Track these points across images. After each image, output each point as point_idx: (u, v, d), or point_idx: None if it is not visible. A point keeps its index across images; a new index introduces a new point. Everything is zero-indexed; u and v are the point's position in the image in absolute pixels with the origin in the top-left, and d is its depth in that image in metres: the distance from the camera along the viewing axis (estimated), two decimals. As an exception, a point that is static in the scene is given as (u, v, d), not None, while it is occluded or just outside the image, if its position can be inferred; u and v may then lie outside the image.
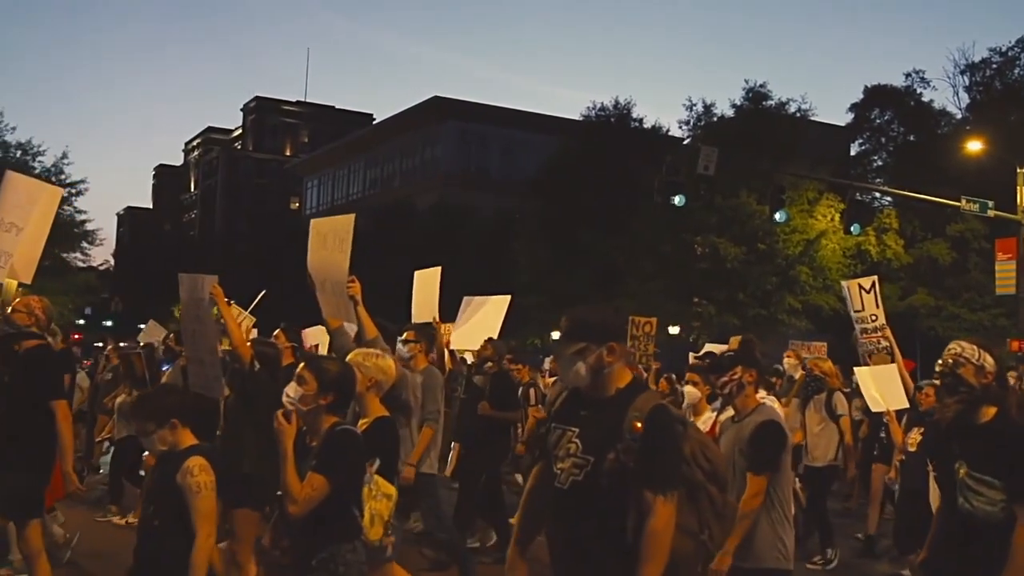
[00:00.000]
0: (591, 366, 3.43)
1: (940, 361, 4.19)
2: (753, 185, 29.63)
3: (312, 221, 6.46)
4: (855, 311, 9.36)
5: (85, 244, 38.00)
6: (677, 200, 20.99)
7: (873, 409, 9.01)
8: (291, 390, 4.10)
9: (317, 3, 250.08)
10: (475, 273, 37.87)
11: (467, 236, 42.81)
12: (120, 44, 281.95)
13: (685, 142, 34.85)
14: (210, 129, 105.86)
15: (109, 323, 58.25)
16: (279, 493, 4.05)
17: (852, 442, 9.77)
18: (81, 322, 48.52)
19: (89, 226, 38.17)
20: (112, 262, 72.91)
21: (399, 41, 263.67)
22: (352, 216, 6.11)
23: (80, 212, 37.90)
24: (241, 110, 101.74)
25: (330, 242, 6.20)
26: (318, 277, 6.26)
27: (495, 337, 9.80)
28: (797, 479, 8.75)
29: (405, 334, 7.22)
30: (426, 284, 10.03)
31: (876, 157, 36.41)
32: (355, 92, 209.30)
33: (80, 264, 38.66)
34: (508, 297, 10.77)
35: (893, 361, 8.88)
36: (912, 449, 7.98)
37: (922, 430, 7.80)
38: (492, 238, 41.47)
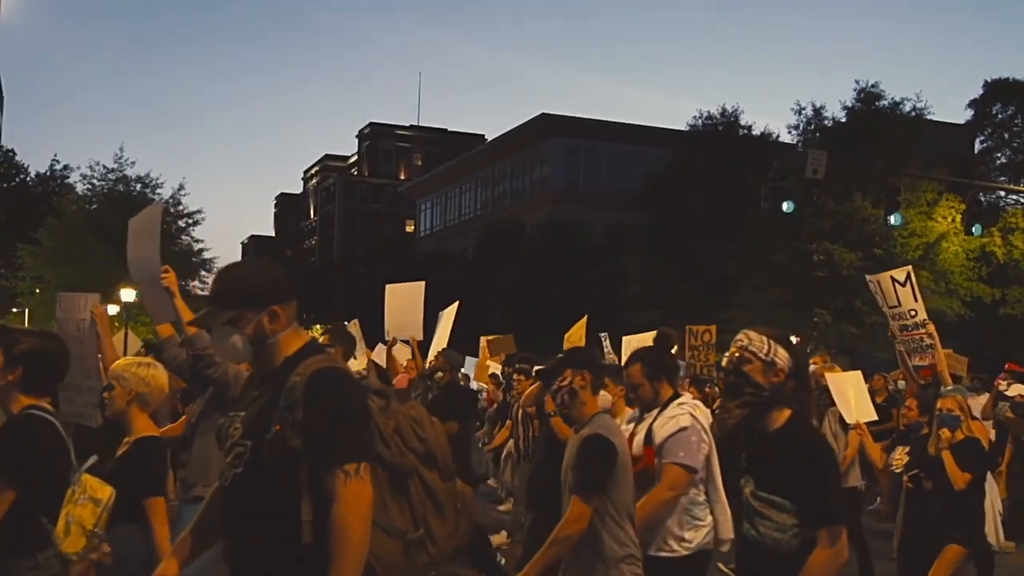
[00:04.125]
0: (250, 337, 2.81)
1: (725, 356, 3.50)
2: (867, 189, 28.87)
3: (129, 221, 6.03)
4: (890, 307, 8.58)
5: (204, 272, 39.64)
6: (786, 207, 20.72)
7: (847, 420, 8.00)
8: None
9: (427, 27, 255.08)
10: (586, 289, 38.05)
11: (577, 252, 42.90)
12: (237, 74, 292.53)
13: (798, 148, 34.25)
14: (327, 156, 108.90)
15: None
16: None
17: (853, 456, 8.48)
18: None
19: (209, 255, 39.75)
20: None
21: (508, 59, 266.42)
22: (161, 204, 5.71)
23: (198, 241, 39.55)
24: (356, 136, 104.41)
25: (144, 237, 5.80)
26: (139, 277, 5.84)
27: (444, 346, 9.68)
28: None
29: (321, 337, 7.02)
30: (405, 299, 9.95)
31: (999, 154, 35.05)
32: (467, 113, 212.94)
33: (199, 292, 40.48)
34: (456, 304, 10.77)
35: (933, 361, 8.30)
36: (897, 471, 7.01)
37: (907, 449, 6.90)
38: (602, 253, 41.46)
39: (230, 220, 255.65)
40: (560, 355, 4.95)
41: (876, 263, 29.71)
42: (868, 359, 27.49)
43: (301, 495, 2.61)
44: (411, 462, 2.85)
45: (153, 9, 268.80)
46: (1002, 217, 30.73)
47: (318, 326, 28.26)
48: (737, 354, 3.37)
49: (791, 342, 3.42)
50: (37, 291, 36.30)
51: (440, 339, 9.97)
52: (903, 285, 8.51)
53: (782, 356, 3.33)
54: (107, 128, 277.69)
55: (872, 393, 12.04)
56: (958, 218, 28.45)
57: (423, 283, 10.10)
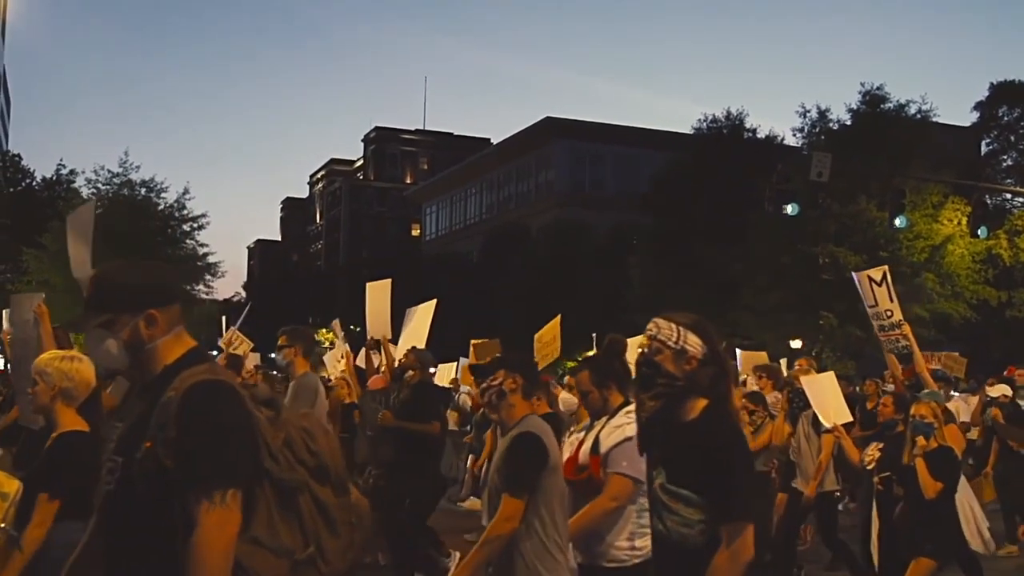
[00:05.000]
0: (126, 342, 2.63)
1: (639, 346, 3.33)
2: (872, 191, 28.82)
3: (68, 218, 5.89)
4: (869, 306, 8.55)
5: (208, 276, 39.70)
6: (790, 209, 20.67)
7: (824, 423, 7.84)
8: None
9: (433, 31, 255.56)
10: (591, 291, 38.06)
11: (582, 255, 42.92)
12: (241, 78, 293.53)
13: (802, 151, 34.19)
14: (333, 161, 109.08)
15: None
16: None
17: (828, 460, 8.37)
18: (214, 352, 50.52)
19: (214, 259, 39.79)
20: (243, 294, 75.72)
21: (513, 63, 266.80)
22: (92, 203, 5.63)
23: (203, 245, 39.60)
24: (362, 140, 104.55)
25: (79, 237, 5.67)
26: (77, 275, 5.74)
27: (421, 346, 9.24)
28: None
29: (279, 339, 6.89)
30: (377, 297, 9.82)
31: (1005, 156, 34.96)
32: (473, 117, 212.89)
33: (204, 296, 40.45)
34: (434, 302, 10.29)
35: (912, 362, 8.22)
36: (869, 467, 7.00)
37: (881, 446, 6.92)
38: (607, 256, 41.46)
39: (237, 224, 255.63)
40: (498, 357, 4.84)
41: (881, 265, 29.61)
42: (874, 362, 27.36)
43: (173, 518, 2.41)
44: (301, 477, 2.66)
45: (159, 14, 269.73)
46: (1008, 219, 30.65)
47: (324, 330, 28.35)
48: (648, 344, 3.22)
49: (707, 329, 3.25)
50: (42, 295, 36.36)
51: (412, 337, 9.61)
52: (879, 285, 8.46)
53: (693, 342, 3.17)
54: (112, 132, 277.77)
55: (863, 399, 11.98)
56: (964, 221, 28.39)
57: (390, 280, 10.00)
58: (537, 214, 57.11)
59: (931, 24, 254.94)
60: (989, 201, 30.17)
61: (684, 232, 34.26)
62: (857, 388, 16.11)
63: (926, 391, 7.64)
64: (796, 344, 30.39)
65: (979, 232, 22.58)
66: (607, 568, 4.39)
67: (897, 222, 21.55)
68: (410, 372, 8.59)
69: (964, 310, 28.86)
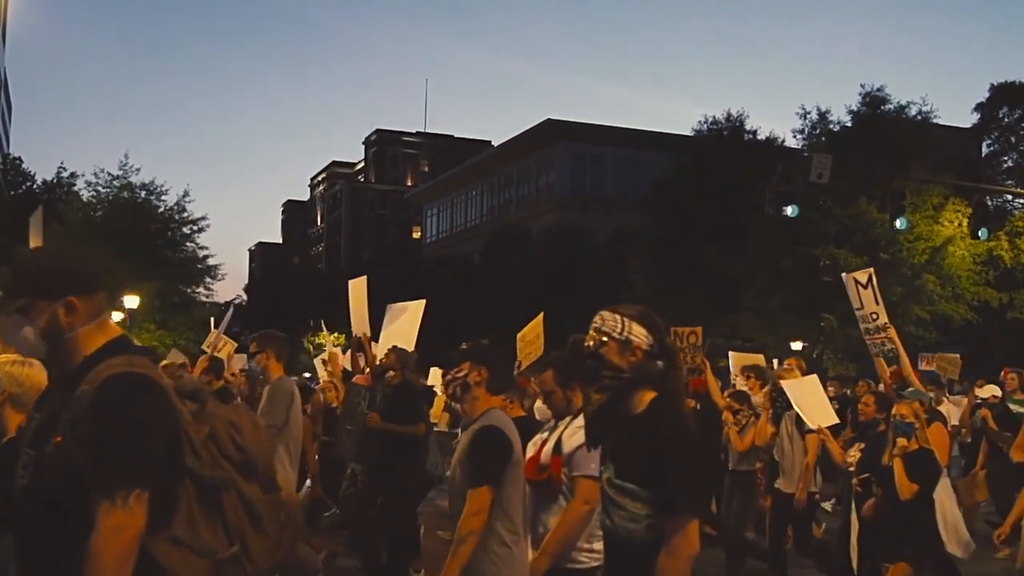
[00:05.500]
0: (43, 330, 2.49)
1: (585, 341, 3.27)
2: (873, 193, 28.79)
3: (30, 219, 5.77)
4: (856, 309, 8.52)
5: (208, 279, 39.74)
6: (790, 211, 20.65)
7: (809, 425, 7.74)
8: None
9: (434, 33, 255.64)
10: (592, 293, 38.00)
11: (583, 257, 42.90)
12: (242, 80, 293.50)
13: (803, 152, 34.15)
14: (334, 163, 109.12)
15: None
16: None
17: (814, 461, 8.16)
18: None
19: (214, 261, 39.83)
20: (244, 296, 75.74)
21: (514, 65, 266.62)
22: (40, 209, 5.50)
23: (203, 248, 39.62)
24: (363, 143, 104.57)
25: (33, 239, 5.46)
26: None
27: (411, 346, 9.08)
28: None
29: (251, 345, 6.85)
30: (356, 295, 9.76)
31: (1006, 158, 34.94)
32: (473, 119, 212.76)
33: (203, 299, 40.46)
34: (423, 302, 10.09)
35: (899, 366, 8.17)
36: (851, 468, 6.94)
37: (862, 446, 6.86)
38: (608, 258, 41.44)
39: (238, 227, 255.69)
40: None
41: (882, 267, 29.62)
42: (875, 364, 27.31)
43: (83, 517, 2.28)
44: (226, 473, 2.54)
45: (159, 16, 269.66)
46: (1009, 221, 30.61)
47: (324, 332, 28.31)
48: (593, 336, 3.14)
49: (653, 320, 3.18)
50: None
51: (397, 336, 9.40)
52: (865, 287, 8.42)
53: (638, 333, 3.09)
54: (113, 135, 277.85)
55: (855, 401, 11.94)
56: (965, 222, 28.37)
57: (365, 278, 10.00)
58: (537, 216, 57.11)
59: (932, 26, 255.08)
60: (990, 202, 30.19)
61: (684, 234, 34.22)
62: (848, 391, 16.09)
63: (910, 390, 7.62)
64: (797, 346, 30.35)
65: (980, 233, 22.56)
66: (568, 569, 4.34)
67: (898, 224, 21.53)
68: (391, 373, 8.48)
69: (965, 312, 28.83)
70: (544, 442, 4.55)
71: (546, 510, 4.42)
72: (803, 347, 30.84)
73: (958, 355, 17.50)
